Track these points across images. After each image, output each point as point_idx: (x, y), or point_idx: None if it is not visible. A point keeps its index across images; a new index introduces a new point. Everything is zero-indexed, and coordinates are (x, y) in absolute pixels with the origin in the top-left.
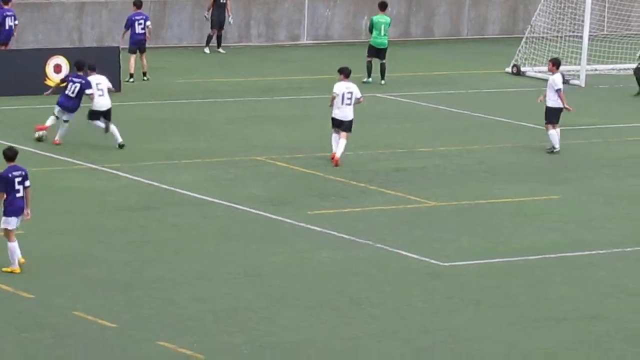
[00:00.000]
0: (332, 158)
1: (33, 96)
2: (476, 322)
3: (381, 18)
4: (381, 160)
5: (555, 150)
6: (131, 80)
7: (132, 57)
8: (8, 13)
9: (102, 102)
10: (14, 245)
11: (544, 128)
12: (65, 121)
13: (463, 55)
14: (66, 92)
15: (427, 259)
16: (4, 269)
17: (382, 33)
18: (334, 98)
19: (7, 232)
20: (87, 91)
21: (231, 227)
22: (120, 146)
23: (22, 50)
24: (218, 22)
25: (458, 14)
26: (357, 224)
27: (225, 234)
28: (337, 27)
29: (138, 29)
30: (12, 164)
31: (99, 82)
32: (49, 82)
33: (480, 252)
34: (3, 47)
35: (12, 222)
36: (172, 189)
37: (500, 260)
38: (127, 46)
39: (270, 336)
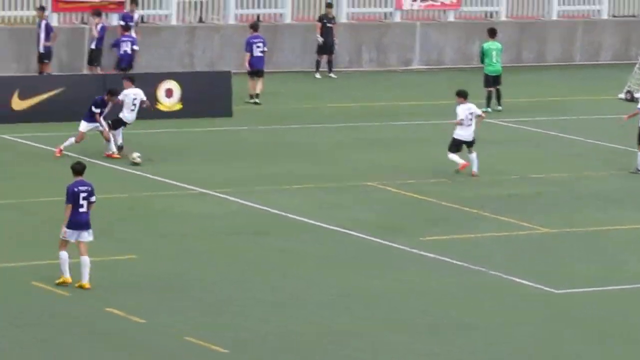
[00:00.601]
0: (462, 168)
1: (144, 120)
2: (580, 347)
3: (492, 45)
4: (494, 186)
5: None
6: (252, 100)
7: (251, 80)
8: (124, 39)
9: (131, 116)
10: (64, 255)
11: None
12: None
13: (575, 81)
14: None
15: (540, 286)
16: (56, 282)
17: (494, 60)
18: (459, 123)
19: (61, 242)
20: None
21: (339, 252)
22: (120, 147)
23: (134, 75)
24: (326, 47)
25: (570, 40)
26: (470, 250)
27: (333, 258)
28: (448, 51)
29: (256, 52)
30: (79, 178)
31: (135, 97)
32: (160, 107)
33: (594, 279)
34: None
35: (71, 235)
36: (282, 213)
37: (615, 287)
38: (240, 70)
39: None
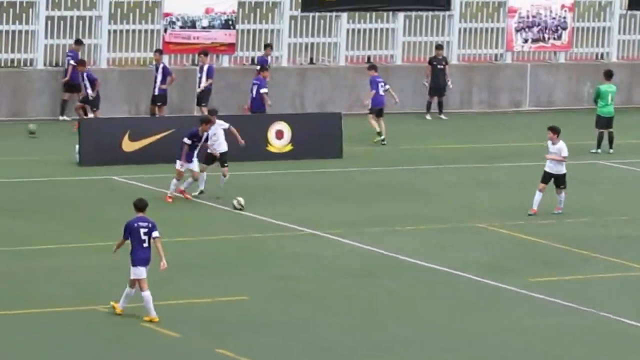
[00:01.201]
0: (533, 213)
1: (255, 162)
2: None
3: (608, 87)
4: (604, 228)
5: None
6: (381, 139)
7: (374, 119)
8: (255, 82)
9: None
10: (147, 295)
11: None
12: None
13: None
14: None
15: None
16: (145, 318)
17: (609, 102)
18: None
19: (139, 282)
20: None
21: (450, 293)
22: (201, 192)
23: (245, 116)
24: (436, 89)
25: None
26: (580, 291)
27: (444, 300)
28: (559, 93)
29: (381, 91)
30: (140, 214)
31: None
32: (270, 148)
33: None
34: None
35: (139, 272)
36: (394, 255)
37: None
38: (349, 111)
39: None
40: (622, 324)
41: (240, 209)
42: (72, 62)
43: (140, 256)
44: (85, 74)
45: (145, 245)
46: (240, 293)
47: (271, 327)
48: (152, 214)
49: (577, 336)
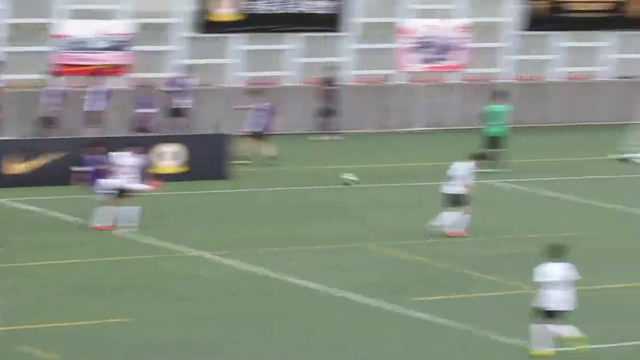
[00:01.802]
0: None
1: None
2: None
3: (499, 107)
4: (495, 247)
5: None
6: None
7: (251, 142)
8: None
9: None
10: None
11: None
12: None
13: (579, 141)
14: None
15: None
16: None
17: (500, 122)
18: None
19: None
20: None
21: (336, 315)
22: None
23: (137, 137)
24: (329, 110)
25: (571, 102)
26: (461, 310)
27: (330, 322)
28: (452, 113)
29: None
30: None
31: None
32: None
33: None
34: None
35: None
36: (282, 278)
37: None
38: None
39: None
40: (497, 342)
41: (351, 183)
42: None
43: None
44: None
45: None
46: (127, 315)
47: (161, 349)
48: (42, 236)
49: (456, 355)
